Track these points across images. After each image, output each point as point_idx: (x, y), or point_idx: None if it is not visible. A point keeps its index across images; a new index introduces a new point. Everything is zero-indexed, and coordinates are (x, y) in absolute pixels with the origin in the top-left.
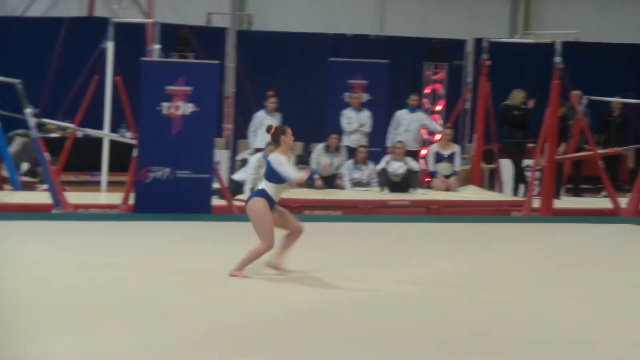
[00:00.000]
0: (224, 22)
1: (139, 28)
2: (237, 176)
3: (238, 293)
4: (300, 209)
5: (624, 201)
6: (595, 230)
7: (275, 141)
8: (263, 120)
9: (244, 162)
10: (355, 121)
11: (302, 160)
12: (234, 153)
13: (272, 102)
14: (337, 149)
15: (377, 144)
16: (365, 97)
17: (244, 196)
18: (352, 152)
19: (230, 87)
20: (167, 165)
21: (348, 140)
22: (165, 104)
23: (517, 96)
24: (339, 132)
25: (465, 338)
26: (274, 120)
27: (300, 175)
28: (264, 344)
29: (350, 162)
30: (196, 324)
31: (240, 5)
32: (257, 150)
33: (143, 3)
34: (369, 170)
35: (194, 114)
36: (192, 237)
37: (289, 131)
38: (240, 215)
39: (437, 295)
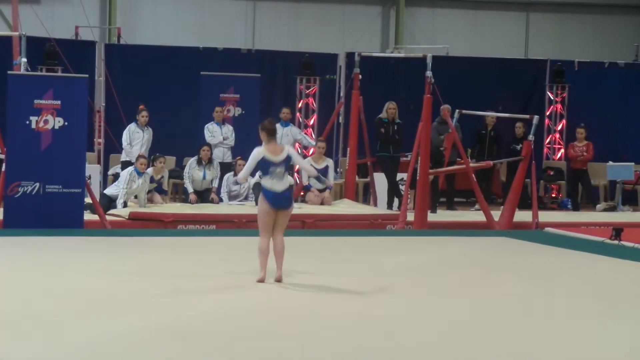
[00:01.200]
0: (93, 35)
1: (5, 41)
2: (109, 191)
3: (110, 308)
4: (173, 223)
5: (497, 214)
6: (468, 243)
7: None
8: (134, 134)
9: (116, 176)
10: (218, 135)
11: (175, 175)
12: (106, 167)
13: (143, 115)
14: (209, 162)
15: (248, 158)
16: (237, 111)
17: (116, 211)
18: (222, 166)
19: (100, 101)
20: (37, 180)
21: (213, 155)
22: (33, 118)
23: (387, 108)
24: (210, 144)
25: (343, 351)
26: (145, 135)
27: (240, 175)
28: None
29: (229, 175)
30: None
31: (109, 19)
32: (127, 163)
33: (9, 16)
34: (246, 184)
35: (63, 128)
36: (64, 252)
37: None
38: (112, 230)
39: (309, 307)
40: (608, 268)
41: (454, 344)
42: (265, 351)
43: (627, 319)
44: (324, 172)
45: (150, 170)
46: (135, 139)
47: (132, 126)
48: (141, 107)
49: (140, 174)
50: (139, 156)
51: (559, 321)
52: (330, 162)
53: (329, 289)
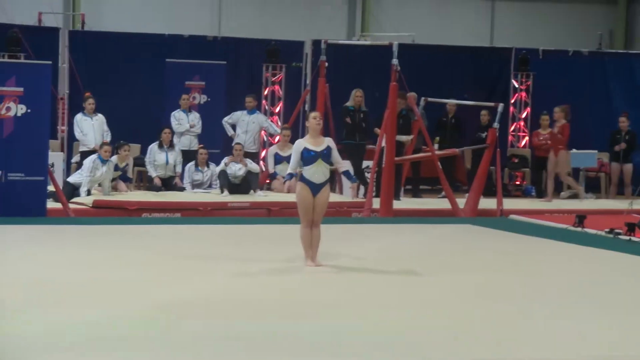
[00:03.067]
0: (57, 22)
1: None
2: (72, 179)
3: (73, 297)
4: (138, 211)
5: (462, 202)
6: (433, 230)
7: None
8: (82, 122)
9: (79, 164)
10: (185, 122)
11: (140, 163)
12: (69, 155)
13: (90, 103)
14: (170, 145)
15: (215, 145)
16: (203, 98)
17: (80, 199)
18: (189, 154)
19: (64, 88)
20: None
21: (180, 144)
22: None
23: (354, 96)
24: (170, 127)
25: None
26: (93, 122)
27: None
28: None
29: (191, 164)
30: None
31: (73, 5)
32: (85, 153)
33: None
34: (210, 172)
35: (26, 115)
36: (27, 240)
37: (312, 114)
38: (76, 218)
39: (275, 295)
40: (571, 254)
41: (416, 331)
42: (230, 338)
43: (589, 304)
44: (289, 159)
45: (114, 158)
46: (85, 127)
47: (78, 116)
48: (87, 94)
49: (104, 161)
50: (103, 143)
51: (521, 305)
52: None
53: (291, 277)
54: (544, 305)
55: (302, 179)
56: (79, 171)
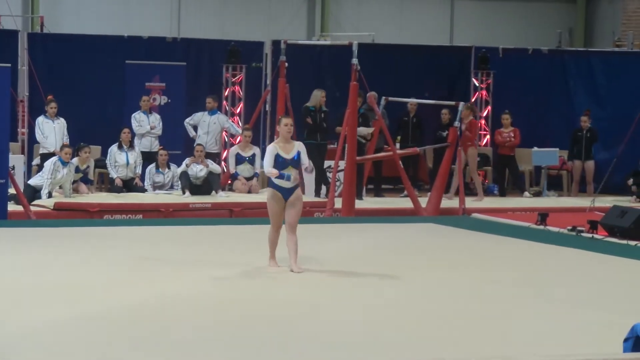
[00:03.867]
0: (15, 24)
1: None
2: (33, 181)
3: (33, 300)
4: (99, 213)
5: (424, 201)
6: (396, 230)
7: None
8: (44, 125)
9: (40, 166)
10: (145, 124)
11: (101, 165)
12: (30, 158)
13: (52, 107)
14: (130, 146)
15: (175, 146)
16: (163, 99)
17: (41, 201)
18: (150, 156)
19: (23, 91)
20: None
21: (141, 145)
22: None
23: (316, 96)
24: (130, 126)
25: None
26: (55, 125)
27: (269, 170)
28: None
29: (152, 166)
30: None
31: (32, 8)
32: (45, 156)
33: None
34: (170, 174)
35: None
36: None
37: (282, 121)
38: (37, 220)
39: (233, 296)
40: (534, 252)
41: (378, 331)
42: (193, 342)
43: (552, 303)
44: (251, 160)
45: (75, 160)
46: (46, 129)
47: (40, 118)
48: (49, 97)
49: (64, 163)
50: (63, 145)
51: (482, 305)
52: (257, 150)
53: (253, 278)
54: (504, 302)
55: (272, 184)
56: (40, 173)
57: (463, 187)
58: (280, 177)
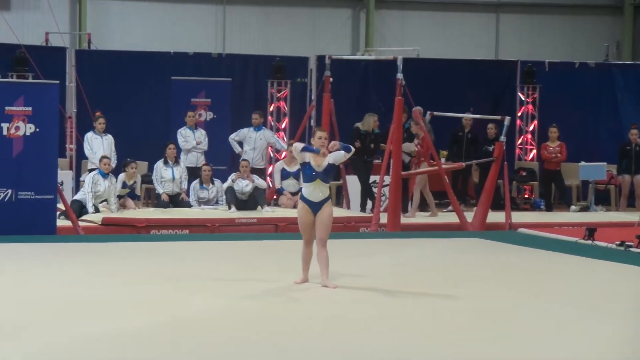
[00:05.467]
0: (63, 41)
1: None
2: (78, 196)
3: (83, 312)
4: (147, 228)
5: (470, 216)
6: (441, 245)
7: None
8: (92, 141)
9: None
10: (191, 140)
11: (148, 180)
12: (78, 173)
13: (100, 122)
14: (176, 161)
15: (221, 162)
16: (209, 115)
17: (89, 216)
18: (195, 171)
19: (71, 107)
20: (9, 187)
21: (186, 161)
22: (5, 125)
23: (369, 122)
24: (176, 142)
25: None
26: (103, 141)
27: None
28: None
29: (195, 182)
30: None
31: (79, 25)
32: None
33: None
34: (215, 189)
35: (34, 134)
36: (38, 259)
37: (317, 134)
38: (86, 236)
39: (281, 311)
40: (581, 268)
41: (428, 346)
42: (239, 356)
43: (601, 319)
44: (296, 174)
45: (122, 175)
46: (95, 145)
47: (89, 134)
48: (98, 114)
49: (104, 175)
50: (102, 157)
51: (532, 322)
52: None
53: (302, 292)
54: (555, 317)
55: (302, 197)
56: (82, 188)
57: (509, 201)
58: (308, 149)
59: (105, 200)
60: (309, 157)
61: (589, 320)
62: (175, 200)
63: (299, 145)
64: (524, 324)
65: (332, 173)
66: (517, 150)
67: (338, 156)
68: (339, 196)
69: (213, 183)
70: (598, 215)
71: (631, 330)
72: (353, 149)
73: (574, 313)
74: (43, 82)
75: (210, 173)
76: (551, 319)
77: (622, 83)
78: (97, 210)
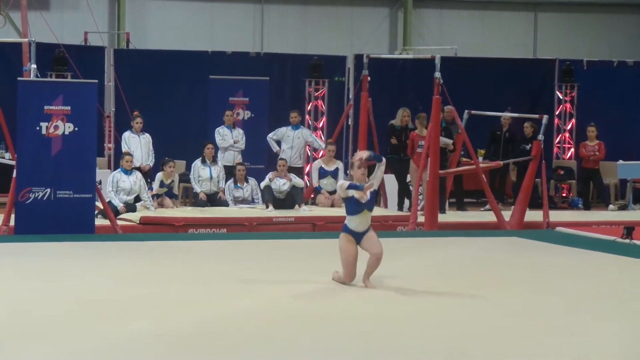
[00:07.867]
0: (102, 41)
1: (15, 47)
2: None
3: (122, 311)
4: (184, 227)
5: (507, 214)
6: (479, 244)
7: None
8: (130, 140)
9: None
10: (229, 138)
11: (185, 179)
12: None
13: (137, 122)
14: (213, 160)
15: (259, 161)
16: (247, 114)
17: (127, 215)
18: (231, 170)
19: (110, 106)
20: (48, 186)
21: (223, 159)
22: (44, 124)
23: (399, 115)
24: (214, 141)
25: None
26: (141, 140)
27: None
28: None
29: (230, 182)
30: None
31: (118, 24)
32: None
33: (18, 22)
34: (249, 188)
35: (73, 133)
36: (76, 258)
37: (355, 163)
38: (124, 234)
39: (320, 311)
40: (620, 267)
41: (465, 346)
42: (272, 356)
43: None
44: (334, 173)
45: (160, 174)
46: (132, 144)
47: (126, 133)
48: (135, 113)
49: (126, 172)
50: (124, 154)
51: (570, 320)
52: (340, 165)
53: (340, 292)
54: (596, 318)
55: (345, 229)
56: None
57: (547, 200)
58: (353, 187)
59: (137, 196)
60: (352, 195)
61: (626, 320)
62: (213, 199)
63: (344, 184)
64: (559, 324)
65: (375, 196)
66: (555, 149)
67: (378, 179)
68: (377, 195)
69: (247, 182)
70: (636, 214)
71: None
72: (384, 159)
73: (611, 311)
74: (82, 81)
75: (244, 172)
76: (589, 318)
77: None
78: (128, 205)
